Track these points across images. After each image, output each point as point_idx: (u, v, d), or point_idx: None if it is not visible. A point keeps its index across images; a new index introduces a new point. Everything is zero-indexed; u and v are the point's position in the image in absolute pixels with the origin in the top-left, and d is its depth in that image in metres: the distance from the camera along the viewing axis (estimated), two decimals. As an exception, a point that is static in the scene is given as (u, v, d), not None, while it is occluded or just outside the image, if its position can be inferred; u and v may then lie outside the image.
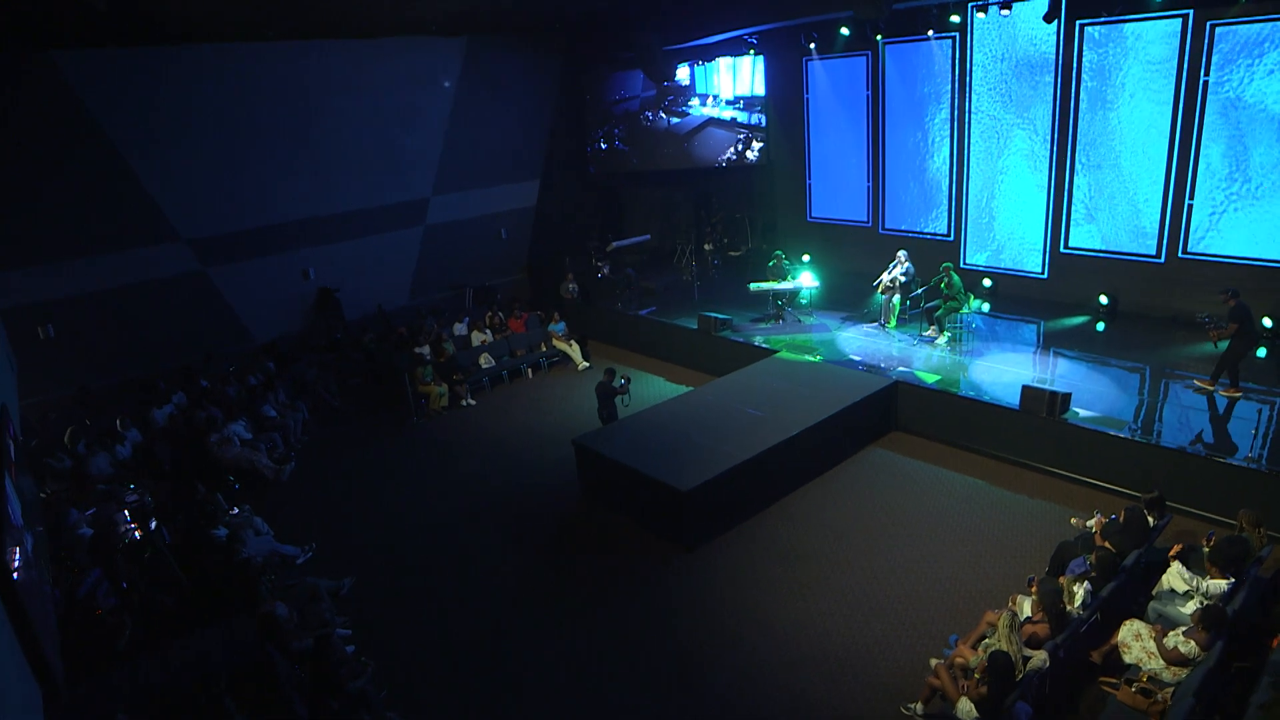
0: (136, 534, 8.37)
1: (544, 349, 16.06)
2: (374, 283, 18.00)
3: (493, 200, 19.45)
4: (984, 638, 6.91)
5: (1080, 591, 6.89)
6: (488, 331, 16.09)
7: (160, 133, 13.70)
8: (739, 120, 18.19)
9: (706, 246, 19.22)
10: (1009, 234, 15.45)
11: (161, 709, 6.09)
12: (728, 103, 18.21)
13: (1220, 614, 6.28)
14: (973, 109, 15.26)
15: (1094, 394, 10.95)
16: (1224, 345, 10.58)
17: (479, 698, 7.49)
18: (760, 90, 17.95)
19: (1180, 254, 13.43)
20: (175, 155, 14.03)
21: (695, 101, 18.54)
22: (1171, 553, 7.40)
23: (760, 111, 18.07)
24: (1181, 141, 12.95)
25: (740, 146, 18.34)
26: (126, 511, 9.00)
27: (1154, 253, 13.71)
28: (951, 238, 16.21)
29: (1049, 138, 14.44)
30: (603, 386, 11.31)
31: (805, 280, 15.31)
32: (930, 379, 11.92)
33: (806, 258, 17.05)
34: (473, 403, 14.57)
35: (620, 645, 8.06)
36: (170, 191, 14.24)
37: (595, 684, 7.56)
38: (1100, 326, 13.78)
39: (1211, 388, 10.74)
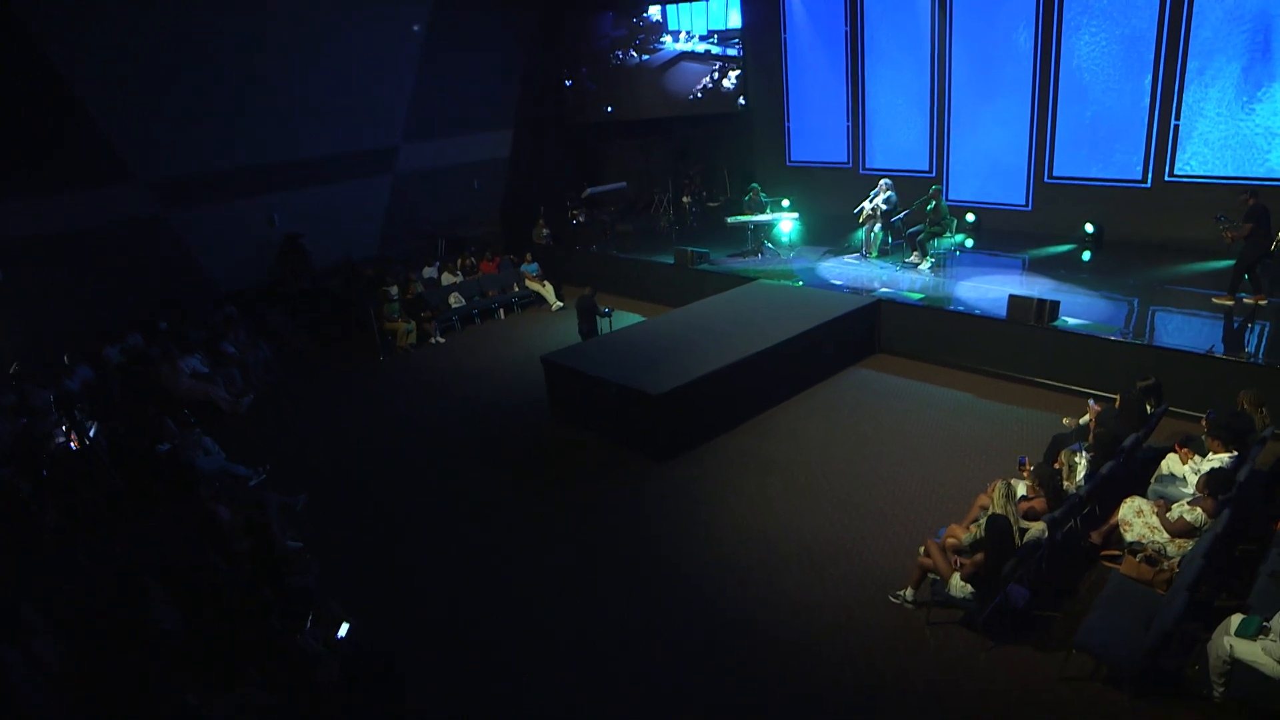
0: (72, 444, 7.78)
1: (516, 289, 15.53)
2: (342, 232, 17.34)
3: (465, 149, 18.84)
4: (976, 521, 6.49)
5: (1081, 462, 6.48)
6: (459, 273, 15.53)
7: (113, 68, 12.97)
8: (713, 53, 17.68)
9: (685, 199, 18.74)
10: (992, 166, 15.07)
11: (81, 597, 5.56)
12: (701, 38, 17.69)
13: (1226, 475, 5.91)
14: (953, 38, 14.85)
15: (1083, 305, 10.58)
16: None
17: (446, 613, 6.94)
18: (735, 23, 17.43)
19: (1167, 177, 13.09)
20: (130, 92, 13.26)
21: (668, 38, 18.02)
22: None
23: (736, 43, 17.54)
24: (1166, 61, 12.60)
25: (716, 76, 17.82)
26: (64, 427, 8.40)
27: (1139, 177, 13.36)
28: (934, 174, 15.81)
29: (1031, 64, 14.05)
30: (585, 300, 10.82)
31: (785, 227, 14.92)
32: (914, 297, 11.50)
33: (786, 203, 16.61)
34: (441, 341, 14.04)
35: (595, 554, 7.57)
36: (125, 131, 13.48)
37: (571, 593, 7.04)
38: (1086, 256, 13.38)
39: (1231, 301, 10.18)
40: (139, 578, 5.65)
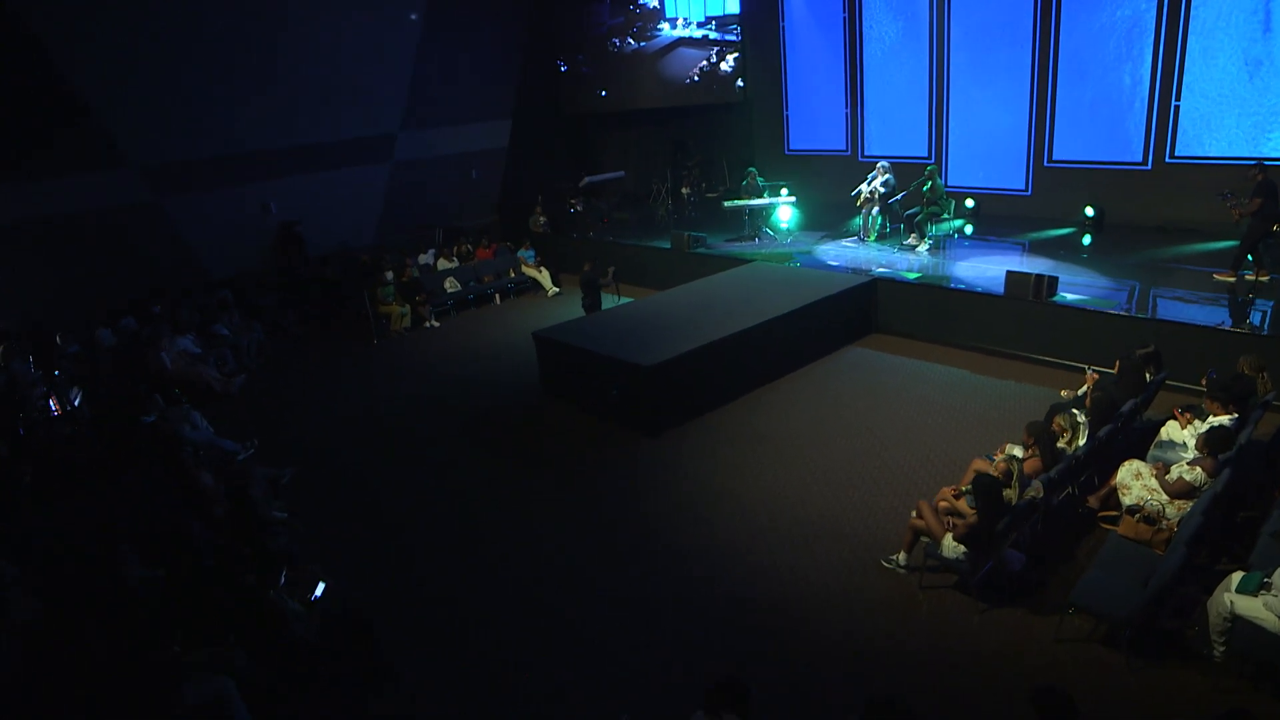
0: (53, 405, 7.67)
1: (512, 275, 15.41)
2: (339, 220, 17.24)
3: (462, 139, 18.72)
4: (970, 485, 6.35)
5: (1083, 422, 6.34)
6: (455, 259, 15.43)
7: (110, 54, 12.85)
8: (710, 38, 17.58)
9: (684, 190, 18.64)
10: (991, 150, 14.93)
11: (56, 555, 5.45)
12: (699, 24, 17.60)
13: (1227, 434, 5.77)
14: (952, 22, 14.74)
15: (1083, 284, 10.44)
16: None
17: (435, 588, 6.77)
18: (733, 8, 17.32)
19: (1167, 159, 12.95)
20: (127, 78, 13.16)
21: (665, 25, 17.93)
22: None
23: (734, 28, 17.42)
24: (1167, 41, 12.47)
25: (713, 59, 17.69)
26: (50, 400, 8.29)
27: (1140, 159, 13.22)
28: (932, 159, 15.68)
29: (1031, 47, 13.93)
30: (587, 275, 10.75)
31: (784, 214, 14.82)
32: (912, 277, 11.38)
33: (785, 191, 16.48)
34: (436, 324, 13.96)
35: (585, 531, 7.42)
36: (120, 114, 13.37)
37: (562, 570, 6.87)
38: (1086, 240, 13.23)
39: (1232, 278, 10.06)
40: (113, 536, 5.55)
